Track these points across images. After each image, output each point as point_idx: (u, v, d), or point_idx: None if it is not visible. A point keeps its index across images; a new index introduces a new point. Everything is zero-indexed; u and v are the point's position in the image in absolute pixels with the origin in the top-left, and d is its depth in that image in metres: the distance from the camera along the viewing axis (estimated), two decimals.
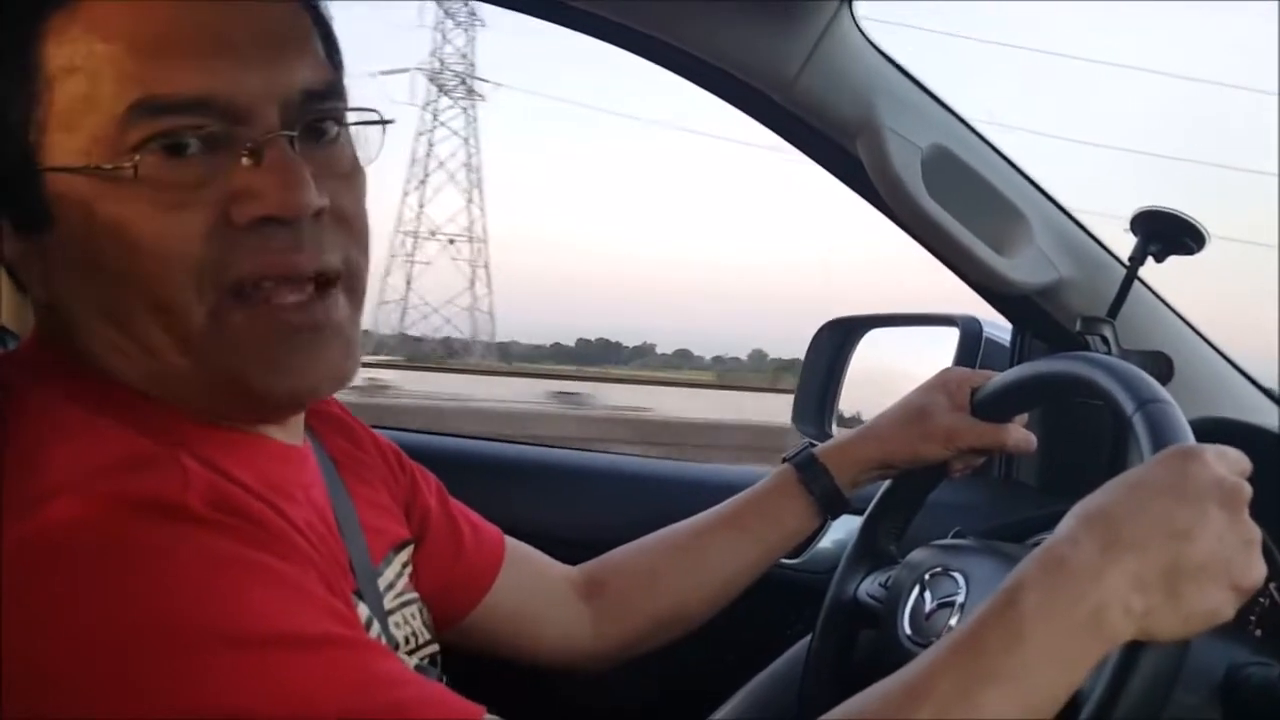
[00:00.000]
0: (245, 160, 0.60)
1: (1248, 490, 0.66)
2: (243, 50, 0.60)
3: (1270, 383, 1.22)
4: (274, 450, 0.70)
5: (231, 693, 0.51)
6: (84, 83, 0.59)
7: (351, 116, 0.67)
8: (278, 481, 0.67)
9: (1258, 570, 0.64)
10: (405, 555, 0.85)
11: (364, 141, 0.68)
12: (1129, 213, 1.09)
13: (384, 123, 0.67)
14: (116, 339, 0.63)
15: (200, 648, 0.52)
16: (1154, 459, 0.68)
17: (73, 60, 0.59)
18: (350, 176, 0.66)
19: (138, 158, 0.58)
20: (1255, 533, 0.65)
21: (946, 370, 1.02)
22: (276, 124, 0.61)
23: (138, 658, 0.51)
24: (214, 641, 0.52)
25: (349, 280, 0.65)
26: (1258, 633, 0.81)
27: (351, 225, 0.65)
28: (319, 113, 0.64)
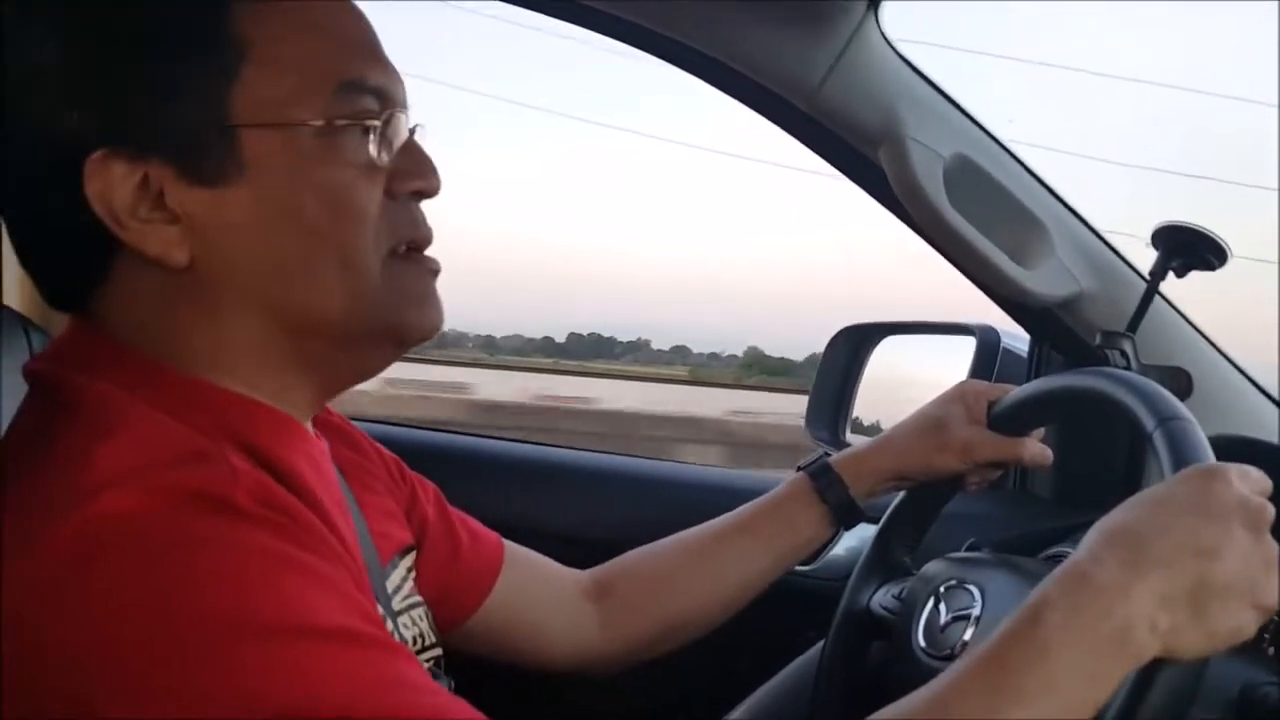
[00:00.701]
0: (396, 145, 0.70)
1: (1271, 511, 0.66)
2: (388, 60, 0.71)
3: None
4: (314, 442, 0.73)
5: (276, 685, 0.52)
6: (293, 59, 0.66)
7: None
8: (321, 470, 0.71)
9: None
10: (409, 560, 0.86)
11: None
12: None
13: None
14: (275, 290, 0.67)
15: (246, 640, 0.52)
16: (1176, 477, 0.68)
17: (278, 39, 0.66)
18: None
19: (352, 124, 0.67)
20: (1278, 553, 0.65)
21: (964, 383, 1.02)
22: (408, 120, 0.72)
23: (184, 649, 0.52)
24: (254, 636, 0.53)
25: None
26: (1271, 651, 0.81)
27: None
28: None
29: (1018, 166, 1.16)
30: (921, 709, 0.63)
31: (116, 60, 0.64)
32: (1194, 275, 1.06)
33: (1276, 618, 0.81)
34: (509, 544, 1.00)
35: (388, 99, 0.69)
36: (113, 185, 0.63)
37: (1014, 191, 1.15)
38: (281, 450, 0.65)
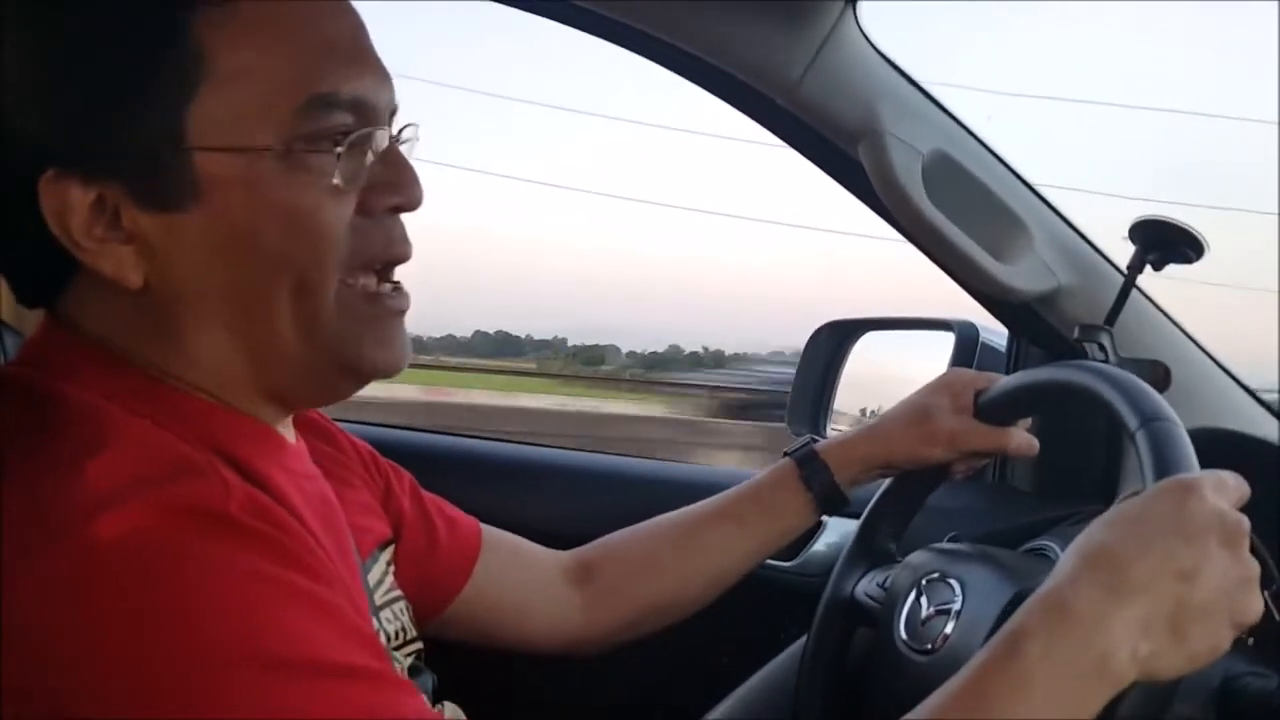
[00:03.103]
0: (373, 157, 0.66)
1: (1246, 525, 0.66)
2: (373, 63, 0.67)
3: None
4: (291, 448, 0.72)
5: (270, 715, 0.51)
6: (253, 74, 0.62)
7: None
8: (302, 477, 0.71)
9: (1255, 606, 0.65)
10: (389, 554, 0.85)
11: None
12: None
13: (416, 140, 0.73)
14: (229, 317, 0.65)
15: (245, 669, 0.52)
16: (1152, 492, 0.68)
17: (238, 52, 0.62)
18: None
19: (315, 147, 0.64)
20: (1254, 569, 0.65)
21: (951, 372, 1.02)
22: (390, 129, 0.68)
23: (180, 675, 0.51)
24: (259, 665, 0.52)
25: None
26: (1249, 641, 0.81)
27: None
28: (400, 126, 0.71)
29: (996, 163, 1.17)
30: None
31: (69, 76, 0.61)
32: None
33: None
34: (487, 528, 1.00)
35: (365, 111, 0.66)
36: (68, 204, 0.61)
37: (992, 187, 1.15)
38: (259, 462, 0.64)
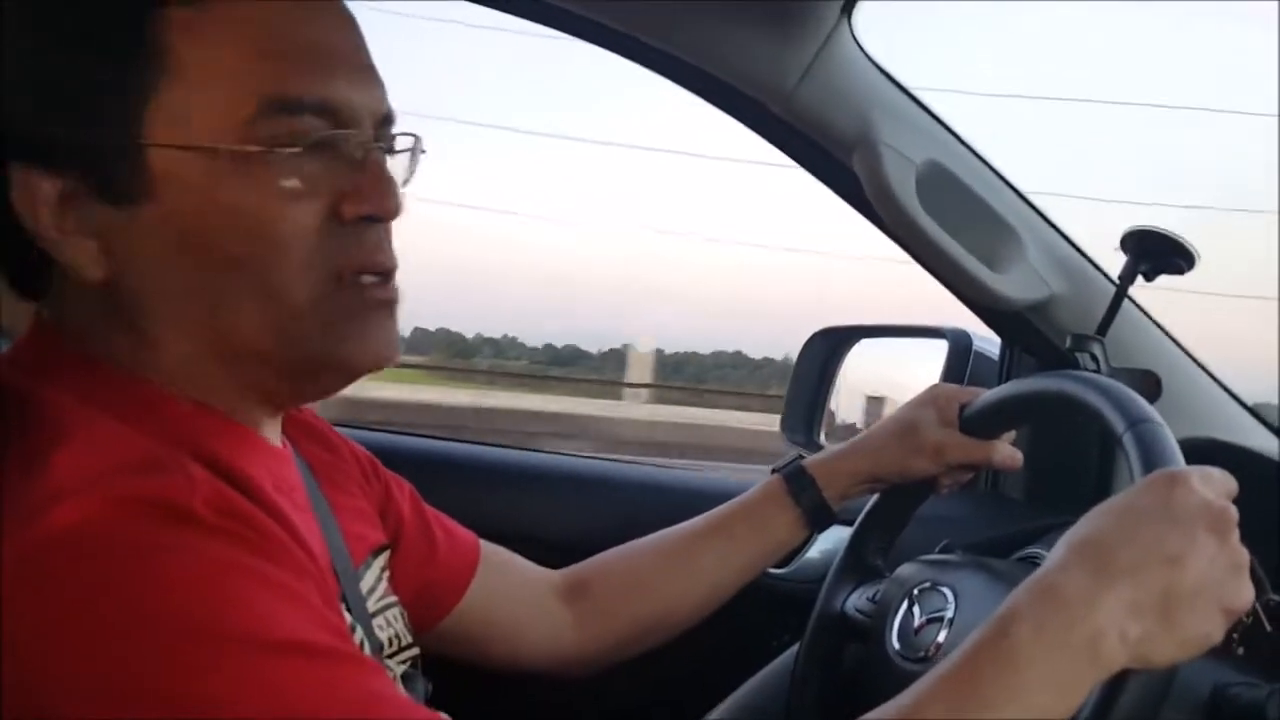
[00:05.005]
0: (350, 164, 0.66)
1: (1234, 513, 0.66)
2: (353, 66, 0.67)
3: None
4: (272, 450, 0.72)
5: (236, 697, 0.52)
6: (217, 74, 0.62)
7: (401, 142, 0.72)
8: (280, 479, 0.70)
9: (1247, 593, 0.65)
10: (384, 560, 0.85)
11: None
12: None
13: (421, 151, 0.73)
14: (195, 316, 0.65)
15: (207, 647, 0.52)
16: (1139, 485, 0.68)
17: (204, 51, 0.62)
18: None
19: (270, 149, 0.63)
20: (1243, 556, 0.66)
21: (936, 386, 1.03)
22: (372, 136, 0.67)
23: (143, 654, 0.51)
24: (221, 646, 0.52)
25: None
26: (1240, 650, 0.81)
27: (392, 231, 0.71)
28: (393, 133, 0.70)
29: (989, 172, 1.18)
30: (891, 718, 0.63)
31: (32, 70, 0.62)
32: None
33: (1245, 618, 0.82)
34: (484, 543, 1.00)
35: (338, 114, 0.65)
36: (36, 195, 0.62)
37: (985, 196, 1.16)
38: (237, 459, 0.64)
